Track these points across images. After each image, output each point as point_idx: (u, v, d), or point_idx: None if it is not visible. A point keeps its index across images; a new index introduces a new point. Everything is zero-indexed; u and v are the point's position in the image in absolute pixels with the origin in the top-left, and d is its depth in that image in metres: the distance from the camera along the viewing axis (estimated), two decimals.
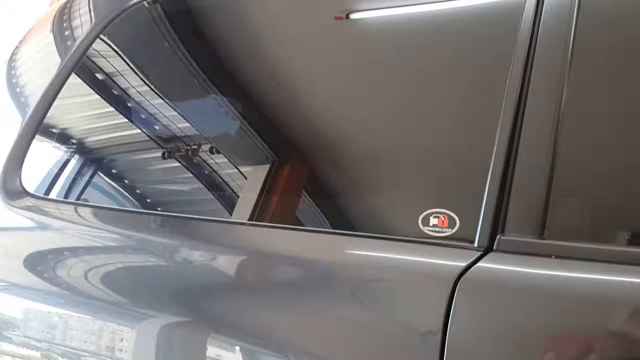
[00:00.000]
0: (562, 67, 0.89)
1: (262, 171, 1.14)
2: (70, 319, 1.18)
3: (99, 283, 1.15)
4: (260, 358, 0.97)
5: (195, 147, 1.27)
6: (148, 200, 1.35)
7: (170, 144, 1.30)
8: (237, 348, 0.98)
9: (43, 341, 1.20)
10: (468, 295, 0.81)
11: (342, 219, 1.07)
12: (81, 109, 1.45)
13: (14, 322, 1.26)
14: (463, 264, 0.83)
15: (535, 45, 0.92)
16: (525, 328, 0.78)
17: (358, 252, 0.97)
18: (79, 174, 1.36)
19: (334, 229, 1.04)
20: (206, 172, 1.25)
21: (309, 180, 1.13)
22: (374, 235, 0.96)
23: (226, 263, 1.08)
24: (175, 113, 1.34)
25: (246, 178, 1.20)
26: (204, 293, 1.07)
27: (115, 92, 1.40)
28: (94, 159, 1.41)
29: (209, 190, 1.26)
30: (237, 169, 1.23)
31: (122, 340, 1.09)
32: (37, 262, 1.26)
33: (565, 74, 0.88)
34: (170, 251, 1.14)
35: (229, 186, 1.23)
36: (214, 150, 1.26)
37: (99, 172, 1.37)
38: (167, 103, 1.35)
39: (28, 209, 1.31)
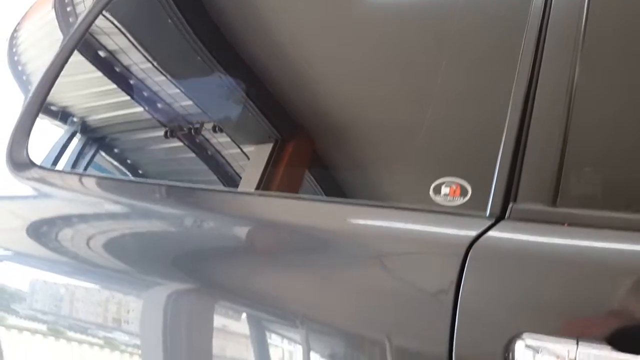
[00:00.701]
0: (576, 35, 0.89)
1: (267, 147, 1.14)
2: (77, 290, 1.18)
3: (105, 252, 1.15)
4: (270, 326, 0.97)
5: (198, 125, 1.26)
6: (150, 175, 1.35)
7: (173, 121, 1.30)
8: (244, 315, 0.98)
9: (49, 313, 1.20)
10: (479, 264, 0.81)
11: (354, 189, 1.07)
12: (86, 84, 1.44)
13: (19, 293, 1.26)
14: (474, 233, 0.83)
15: (548, 16, 0.92)
16: (537, 296, 0.78)
17: (369, 222, 0.97)
18: (84, 146, 1.36)
19: (347, 198, 1.04)
20: (209, 152, 1.24)
21: (321, 149, 1.13)
22: (386, 204, 0.96)
23: (230, 231, 1.08)
24: (179, 90, 1.33)
25: (249, 158, 1.20)
26: (209, 261, 1.07)
27: (118, 69, 1.39)
28: (99, 133, 1.41)
29: (211, 167, 1.26)
30: (239, 147, 1.22)
31: (128, 311, 1.09)
32: (45, 232, 1.26)
33: (579, 42, 0.88)
34: (175, 220, 1.14)
35: (230, 165, 1.22)
36: (217, 128, 1.25)
37: (103, 145, 1.38)
38: (171, 80, 1.34)
39: (35, 180, 1.31)
